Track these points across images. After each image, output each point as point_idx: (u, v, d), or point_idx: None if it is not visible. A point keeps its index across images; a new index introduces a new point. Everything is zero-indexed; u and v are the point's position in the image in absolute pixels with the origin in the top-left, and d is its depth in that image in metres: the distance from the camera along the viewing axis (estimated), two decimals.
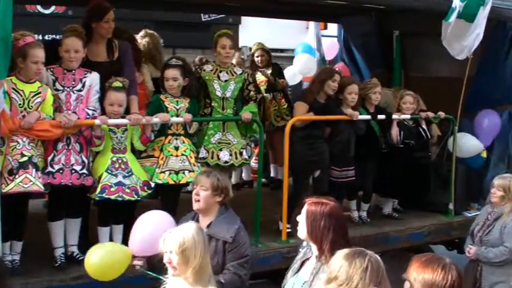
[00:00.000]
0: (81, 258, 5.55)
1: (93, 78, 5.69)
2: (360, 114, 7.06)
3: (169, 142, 5.96)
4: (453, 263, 3.14)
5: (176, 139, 5.98)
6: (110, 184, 5.56)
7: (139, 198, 5.73)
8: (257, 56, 8.78)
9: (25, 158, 5.19)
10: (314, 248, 3.87)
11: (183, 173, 5.90)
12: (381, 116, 7.21)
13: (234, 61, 8.66)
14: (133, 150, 5.95)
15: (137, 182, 5.72)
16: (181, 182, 5.92)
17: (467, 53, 7.35)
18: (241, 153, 6.38)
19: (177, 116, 5.98)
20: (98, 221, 5.83)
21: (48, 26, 19.48)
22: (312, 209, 3.85)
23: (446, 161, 7.84)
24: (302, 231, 3.90)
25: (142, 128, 5.84)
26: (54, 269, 5.57)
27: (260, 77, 8.66)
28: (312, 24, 10.20)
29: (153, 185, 5.94)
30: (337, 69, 6.97)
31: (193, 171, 5.93)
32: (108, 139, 5.69)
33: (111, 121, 5.63)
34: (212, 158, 6.24)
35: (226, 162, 6.29)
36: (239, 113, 6.41)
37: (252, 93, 6.53)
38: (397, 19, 9.05)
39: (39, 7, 19.29)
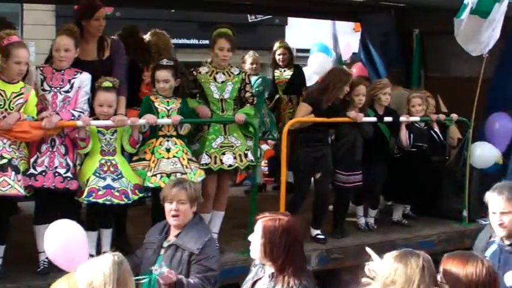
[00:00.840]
0: None
1: (83, 79, 5.52)
2: (368, 116, 6.78)
3: (160, 144, 5.76)
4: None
5: (168, 141, 5.78)
6: (97, 187, 5.40)
7: (129, 202, 5.56)
8: (279, 54, 8.55)
9: (4, 161, 5.05)
10: (268, 267, 3.59)
11: (175, 175, 5.68)
12: (387, 118, 6.90)
13: (249, 60, 8.49)
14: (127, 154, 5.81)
15: (128, 185, 5.55)
16: None
17: (482, 50, 7.00)
18: (246, 155, 6.12)
19: (168, 117, 5.79)
20: (85, 225, 5.66)
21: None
22: (268, 225, 3.53)
23: (462, 166, 7.48)
24: (256, 251, 3.57)
25: None
26: (36, 274, 5.44)
27: (279, 77, 8.44)
28: (328, 23, 9.91)
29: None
30: (349, 70, 6.68)
31: (185, 173, 5.72)
32: (97, 141, 5.53)
33: (94, 122, 5.47)
34: (215, 163, 5.99)
35: (230, 165, 6.04)
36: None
37: (248, 94, 6.27)
38: (417, 17, 8.75)
39: None
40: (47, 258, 5.47)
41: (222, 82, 6.10)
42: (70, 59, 5.46)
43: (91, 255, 5.49)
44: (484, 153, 7.39)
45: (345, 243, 6.72)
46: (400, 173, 7.01)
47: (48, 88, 5.43)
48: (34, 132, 5.22)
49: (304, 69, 9.20)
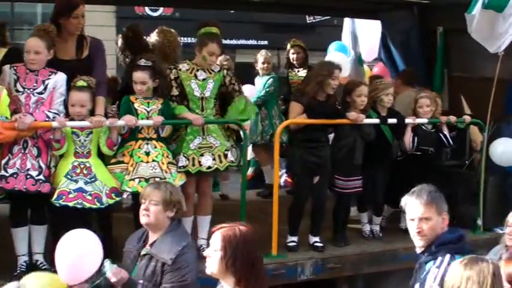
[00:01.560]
0: (45, 267, 5.32)
1: (57, 80, 5.36)
2: (370, 118, 6.41)
3: (139, 147, 5.54)
4: None
5: (147, 144, 5.56)
6: (68, 190, 5.23)
7: (102, 207, 5.36)
8: (292, 54, 8.26)
9: None
10: (227, 284, 3.15)
11: (153, 180, 5.44)
12: (392, 120, 6.50)
13: (261, 59, 8.23)
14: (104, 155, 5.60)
15: (103, 188, 5.36)
16: None
17: (501, 47, 6.56)
18: (225, 156, 5.86)
19: (148, 118, 5.57)
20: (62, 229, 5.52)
21: (156, 28, 19.87)
22: (229, 235, 3.12)
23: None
24: (214, 265, 3.13)
25: None
26: (13, 278, 5.29)
27: (293, 78, 8.15)
28: (347, 21, 9.51)
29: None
30: (336, 63, 6.31)
31: (164, 178, 5.49)
32: (71, 142, 5.36)
33: (70, 123, 5.30)
34: (193, 165, 5.74)
35: (209, 167, 5.79)
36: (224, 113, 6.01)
37: (231, 87, 6.00)
38: (441, 14, 8.28)
39: (147, 10, 19.64)
40: (24, 262, 5.39)
41: (203, 79, 5.86)
42: (41, 61, 5.30)
43: None
44: (507, 150, 6.89)
45: (343, 251, 6.37)
46: (403, 177, 6.60)
47: (22, 89, 5.29)
48: (6, 133, 5.08)
49: None
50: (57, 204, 5.23)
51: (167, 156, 5.62)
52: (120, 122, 5.43)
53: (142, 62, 5.59)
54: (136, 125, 5.48)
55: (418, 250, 3.72)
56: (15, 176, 5.16)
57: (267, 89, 8.09)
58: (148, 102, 5.61)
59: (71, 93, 5.37)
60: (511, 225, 4.77)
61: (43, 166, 5.27)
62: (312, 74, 6.33)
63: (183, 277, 4.07)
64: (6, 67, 5.36)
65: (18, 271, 5.31)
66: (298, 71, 8.20)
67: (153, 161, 5.52)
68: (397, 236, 6.82)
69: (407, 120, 6.58)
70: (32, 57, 5.26)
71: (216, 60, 5.96)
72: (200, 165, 5.75)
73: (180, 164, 5.69)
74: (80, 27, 5.64)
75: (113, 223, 5.79)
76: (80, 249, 4.13)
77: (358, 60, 9.29)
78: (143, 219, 4.27)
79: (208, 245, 5.78)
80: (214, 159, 5.80)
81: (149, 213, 4.22)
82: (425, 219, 3.59)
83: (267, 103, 8.05)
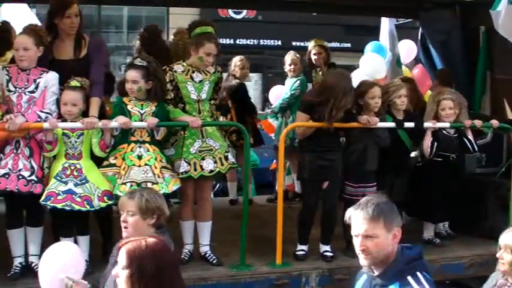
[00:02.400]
0: (37, 270, 5.27)
1: (49, 79, 5.31)
2: (385, 121, 6.06)
3: (132, 150, 5.40)
4: None
5: (140, 147, 5.42)
6: (57, 192, 5.16)
7: (91, 209, 5.27)
8: (314, 54, 8.00)
9: None
10: None
11: (146, 185, 5.32)
12: (409, 124, 6.12)
13: (288, 61, 8.00)
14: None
15: (94, 191, 5.26)
16: None
17: None
18: (226, 158, 5.69)
19: (142, 121, 5.43)
20: (59, 232, 5.47)
21: (239, 31, 20.06)
22: (133, 249, 2.77)
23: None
24: (122, 284, 2.78)
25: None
26: (6, 280, 5.29)
27: (315, 78, 7.88)
28: (385, 20, 9.11)
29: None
30: (345, 72, 6.00)
31: (157, 183, 5.35)
32: (62, 143, 5.30)
33: (62, 124, 5.24)
34: (195, 169, 5.58)
35: (211, 171, 5.63)
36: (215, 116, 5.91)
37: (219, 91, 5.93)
38: (484, 13, 7.76)
39: (231, 12, 19.86)
40: (20, 263, 5.36)
41: (200, 81, 5.69)
42: (30, 58, 5.25)
43: None
44: None
45: (353, 262, 5.95)
46: (423, 185, 6.22)
47: (13, 89, 5.27)
48: None
49: (356, 71, 8.54)
50: (48, 206, 5.18)
51: (160, 160, 5.47)
52: (114, 124, 5.32)
53: (137, 61, 5.47)
54: (130, 126, 5.36)
55: (365, 269, 3.35)
56: (6, 176, 5.14)
57: (292, 92, 7.85)
58: (142, 104, 5.47)
59: (64, 92, 5.32)
60: (502, 248, 3.99)
61: (35, 167, 5.23)
62: (331, 94, 5.77)
63: None
64: (0, 68, 5.36)
65: (12, 272, 5.29)
66: (320, 71, 7.95)
67: (146, 164, 5.38)
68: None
69: (427, 124, 6.18)
70: (21, 53, 5.23)
71: (212, 61, 5.74)
72: (202, 169, 5.59)
73: (181, 170, 5.54)
74: (74, 26, 5.56)
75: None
76: (58, 265, 3.98)
77: (397, 62, 8.88)
78: (124, 233, 4.04)
79: (212, 251, 5.71)
80: (215, 162, 5.63)
81: (127, 225, 4.00)
82: (369, 236, 3.12)
83: (292, 106, 7.79)
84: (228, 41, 20.77)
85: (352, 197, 6.04)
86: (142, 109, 5.47)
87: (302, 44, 19.49)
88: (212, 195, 8.32)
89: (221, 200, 8.70)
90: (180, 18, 19.07)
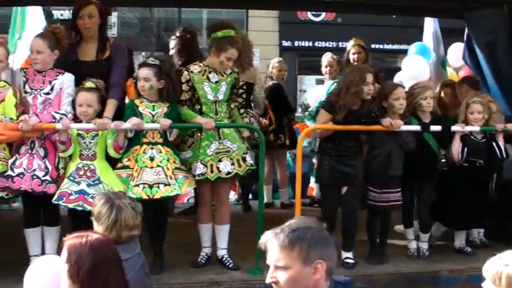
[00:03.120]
0: None
1: (64, 81, 5.36)
2: (411, 124, 5.83)
3: (144, 152, 5.38)
4: None
5: (152, 148, 5.39)
6: (69, 191, 5.20)
7: None
8: (353, 53, 7.80)
9: None
10: None
11: (158, 186, 5.31)
12: (435, 127, 5.86)
13: (326, 61, 7.84)
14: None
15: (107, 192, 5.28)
16: (155, 197, 5.31)
17: None
18: (244, 159, 5.60)
19: (153, 122, 5.40)
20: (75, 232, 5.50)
21: (318, 33, 20.06)
22: (73, 244, 2.78)
23: None
24: (63, 279, 2.77)
25: None
26: (23, 277, 5.34)
27: None
28: (429, 21, 8.78)
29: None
30: (366, 67, 5.78)
31: (169, 184, 5.32)
32: (77, 144, 5.33)
33: (74, 125, 5.28)
34: (212, 171, 5.50)
35: (228, 173, 5.55)
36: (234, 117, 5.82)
37: (238, 93, 5.89)
38: None
39: (309, 15, 19.88)
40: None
41: (216, 82, 5.61)
42: (43, 60, 5.32)
43: None
44: None
45: (375, 270, 5.81)
46: (447, 191, 5.97)
47: (29, 90, 5.36)
48: (8, 134, 5.17)
49: (399, 73, 8.28)
50: (61, 206, 5.23)
51: (174, 162, 5.43)
52: (126, 125, 5.32)
53: (150, 60, 5.46)
54: (142, 128, 5.34)
55: None
56: (21, 176, 5.20)
57: (328, 94, 7.65)
58: (153, 106, 5.45)
59: (79, 93, 5.36)
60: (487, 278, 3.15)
61: (50, 167, 5.28)
62: (343, 84, 5.78)
63: None
64: (17, 69, 5.46)
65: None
66: None
67: (158, 166, 5.35)
68: (446, 256, 6.16)
69: (455, 128, 5.90)
70: (35, 56, 5.31)
71: (232, 65, 5.68)
72: (219, 171, 5.51)
73: (198, 172, 5.48)
74: (87, 27, 5.60)
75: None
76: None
77: (442, 64, 8.54)
78: None
79: (229, 254, 5.63)
80: (232, 163, 5.55)
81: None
82: (280, 267, 2.62)
83: None
84: (306, 44, 20.72)
85: (376, 203, 5.87)
86: (153, 110, 5.44)
87: (381, 46, 19.28)
88: (251, 196, 8.28)
89: (255, 203, 8.58)
90: (260, 20, 19.17)
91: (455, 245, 6.27)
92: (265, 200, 8.15)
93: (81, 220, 5.23)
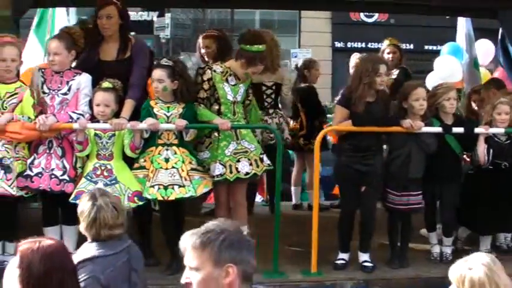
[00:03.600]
0: None
1: (81, 81, 5.43)
2: (432, 126, 5.71)
3: (159, 153, 5.40)
4: None
5: (167, 150, 5.40)
6: (86, 191, 5.16)
7: None
8: (388, 53, 7.69)
9: None
10: None
11: (172, 188, 5.33)
12: (457, 129, 5.72)
13: (352, 63, 7.76)
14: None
15: (125, 191, 5.33)
16: (169, 199, 5.34)
17: None
18: (261, 160, 5.58)
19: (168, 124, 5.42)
20: None
21: (371, 35, 19.98)
22: (25, 250, 2.70)
23: None
24: (15, 284, 2.67)
25: None
26: None
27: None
28: (462, 20, 8.58)
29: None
30: (379, 57, 5.68)
31: (183, 186, 5.33)
32: (94, 144, 5.39)
33: (91, 125, 5.34)
34: (231, 172, 5.49)
35: (247, 173, 5.53)
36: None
37: (250, 94, 5.78)
38: None
39: (362, 16, 19.84)
40: None
41: (234, 85, 5.60)
42: (61, 62, 5.39)
43: None
44: None
45: (393, 274, 5.70)
46: (471, 194, 5.82)
47: (47, 90, 5.44)
48: (25, 133, 5.26)
49: (430, 74, 8.12)
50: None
51: (190, 162, 5.43)
52: (142, 125, 5.34)
53: (163, 61, 5.47)
54: (158, 128, 5.36)
55: None
56: (39, 175, 5.29)
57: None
58: (168, 107, 5.45)
59: (96, 93, 5.41)
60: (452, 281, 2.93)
61: (67, 166, 5.36)
62: (355, 75, 5.72)
63: None
64: (36, 69, 5.55)
65: None
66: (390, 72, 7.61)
67: (173, 167, 5.36)
68: None
69: (478, 130, 5.75)
70: (52, 58, 5.40)
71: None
72: (237, 171, 5.49)
73: (217, 173, 5.47)
74: (105, 28, 5.65)
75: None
76: None
77: (474, 65, 8.34)
78: None
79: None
80: (251, 164, 5.53)
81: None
82: (193, 268, 2.53)
83: None
84: (359, 45, 20.60)
85: (396, 206, 5.77)
86: (168, 111, 5.45)
87: (434, 47, 18.93)
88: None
89: (284, 205, 8.54)
90: (313, 22, 19.13)
91: (480, 250, 6.09)
92: (294, 202, 8.11)
93: None
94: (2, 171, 5.17)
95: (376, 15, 19.92)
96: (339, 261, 5.76)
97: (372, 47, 20.04)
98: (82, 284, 3.53)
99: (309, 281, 5.53)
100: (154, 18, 18.74)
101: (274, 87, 7.14)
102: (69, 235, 5.47)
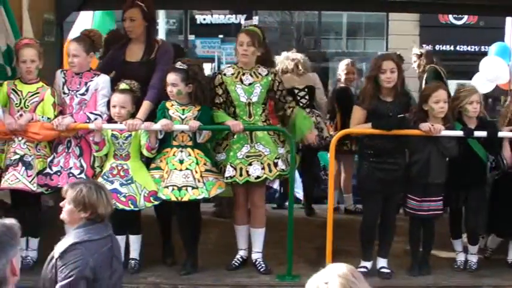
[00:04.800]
0: None
1: (99, 82, 5.57)
2: (455, 130, 5.52)
3: (174, 155, 5.47)
4: None
5: (181, 151, 5.46)
6: None
7: (135, 209, 5.44)
8: (414, 61, 7.55)
9: (16, 157, 5.41)
10: None
11: (186, 189, 5.38)
12: (479, 133, 5.49)
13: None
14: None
15: (141, 191, 5.44)
16: (183, 200, 5.39)
17: None
18: (275, 164, 5.51)
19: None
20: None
21: (460, 37, 19.65)
22: None
23: None
24: None
25: None
26: None
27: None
28: (510, 20, 8.21)
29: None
30: (384, 54, 5.57)
31: (196, 187, 5.38)
32: (111, 144, 5.52)
33: (106, 126, 5.46)
34: (241, 175, 5.48)
35: (258, 177, 5.49)
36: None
37: (284, 92, 5.70)
38: None
39: (451, 18, 19.57)
40: None
41: (250, 84, 5.56)
42: (80, 63, 5.54)
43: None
44: None
45: (410, 282, 5.54)
46: (499, 199, 5.63)
47: (67, 91, 5.60)
48: (44, 133, 5.44)
49: (476, 76, 7.85)
50: None
51: (204, 164, 5.47)
52: (156, 126, 5.42)
53: (177, 65, 5.50)
54: (172, 129, 5.43)
55: None
56: (58, 173, 5.47)
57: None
58: (183, 109, 5.50)
59: (113, 95, 5.53)
60: None
61: (84, 165, 5.51)
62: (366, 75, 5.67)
63: (69, 273, 3.76)
64: (58, 71, 5.73)
65: None
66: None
67: (187, 169, 5.41)
68: (497, 270, 5.74)
69: (503, 134, 5.51)
70: (71, 60, 5.56)
71: (249, 50, 5.56)
72: (248, 175, 5.48)
73: (226, 175, 5.50)
74: (129, 30, 5.78)
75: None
76: None
77: None
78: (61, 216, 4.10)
79: (263, 258, 5.59)
80: (263, 168, 5.49)
81: (64, 210, 3.99)
82: None
83: None
84: (448, 48, 20.14)
85: (416, 212, 5.59)
86: (183, 114, 5.49)
87: None
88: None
89: (319, 207, 8.49)
90: (401, 24, 18.90)
91: (508, 259, 5.85)
92: (345, 205, 8.02)
93: (126, 218, 5.49)
94: (23, 168, 5.37)
95: (465, 17, 19.37)
96: (361, 269, 5.59)
97: (461, 49, 19.59)
98: (72, 266, 3.73)
99: None
100: (242, 21, 18.94)
101: (306, 90, 7.22)
102: None
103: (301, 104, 7.07)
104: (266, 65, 5.90)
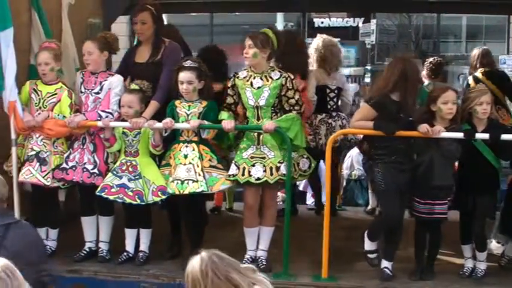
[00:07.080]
0: (101, 255, 5.92)
1: (112, 81, 5.85)
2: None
3: (180, 150, 5.68)
4: None
5: (187, 146, 5.66)
6: (111, 184, 5.68)
7: (142, 203, 5.68)
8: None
9: (33, 153, 5.79)
10: None
11: (187, 182, 5.58)
12: (481, 135, 5.32)
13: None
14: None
15: (149, 186, 5.69)
16: (184, 192, 5.58)
17: None
18: (278, 169, 5.58)
19: (188, 121, 5.66)
20: (124, 222, 5.98)
21: None
22: None
23: None
24: None
25: None
26: (70, 260, 5.88)
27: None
28: None
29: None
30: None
31: (196, 181, 5.56)
32: (123, 141, 5.81)
33: (113, 124, 5.74)
34: (243, 174, 5.60)
35: (258, 178, 5.59)
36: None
37: (291, 100, 5.64)
38: None
39: None
40: (89, 248, 5.99)
41: (259, 88, 5.65)
42: (95, 61, 5.84)
43: (127, 253, 5.89)
44: None
45: (407, 286, 5.43)
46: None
47: (84, 90, 5.92)
48: (57, 129, 5.78)
49: None
50: (104, 197, 5.70)
51: (209, 160, 5.66)
52: (158, 124, 5.64)
53: (188, 63, 5.68)
54: (172, 127, 5.64)
55: None
56: (73, 168, 5.79)
57: None
58: (189, 106, 5.70)
59: (123, 95, 5.81)
60: None
61: (98, 161, 5.81)
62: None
63: None
64: (78, 72, 6.08)
65: (77, 255, 5.92)
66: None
67: (190, 163, 5.61)
68: (504, 280, 5.53)
69: (506, 136, 5.30)
70: (86, 57, 5.87)
71: (250, 52, 5.58)
72: (249, 175, 5.60)
73: (230, 173, 5.66)
74: (139, 32, 6.07)
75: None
76: None
77: None
78: None
79: (266, 256, 5.66)
80: (265, 170, 5.58)
81: None
82: None
83: None
84: None
85: (420, 215, 5.50)
86: (189, 110, 5.69)
87: None
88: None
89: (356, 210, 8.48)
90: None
91: None
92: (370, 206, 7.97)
93: (136, 212, 5.78)
94: (38, 164, 5.74)
95: None
96: (385, 270, 5.59)
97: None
98: None
99: (315, 285, 5.46)
100: (360, 25, 19.04)
101: (336, 91, 7.22)
102: (104, 225, 5.96)
103: (329, 106, 7.15)
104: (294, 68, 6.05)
